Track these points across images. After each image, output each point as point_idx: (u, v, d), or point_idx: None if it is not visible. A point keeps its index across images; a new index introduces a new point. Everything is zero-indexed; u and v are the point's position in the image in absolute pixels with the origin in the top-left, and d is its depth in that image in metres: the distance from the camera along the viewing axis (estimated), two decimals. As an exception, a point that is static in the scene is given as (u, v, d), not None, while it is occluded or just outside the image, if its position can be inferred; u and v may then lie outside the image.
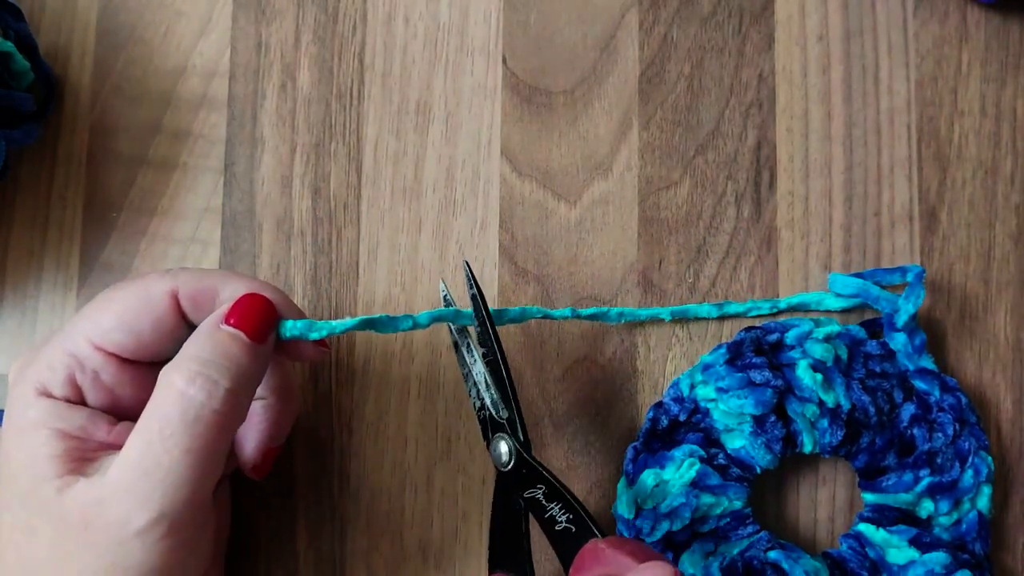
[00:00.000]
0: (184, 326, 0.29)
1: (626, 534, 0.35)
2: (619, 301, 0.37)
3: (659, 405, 0.36)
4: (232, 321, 0.28)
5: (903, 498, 0.34)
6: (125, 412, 0.29)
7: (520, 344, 0.37)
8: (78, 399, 0.29)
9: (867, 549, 0.34)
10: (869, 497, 0.35)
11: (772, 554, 0.34)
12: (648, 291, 0.38)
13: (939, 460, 0.34)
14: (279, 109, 0.39)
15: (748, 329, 0.36)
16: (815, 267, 0.38)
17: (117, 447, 0.28)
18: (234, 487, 0.37)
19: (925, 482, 0.34)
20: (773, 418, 0.34)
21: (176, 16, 0.39)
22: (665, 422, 0.35)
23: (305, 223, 0.38)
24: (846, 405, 0.34)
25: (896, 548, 0.34)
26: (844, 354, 0.35)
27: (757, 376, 0.34)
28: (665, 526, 0.34)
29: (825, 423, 0.34)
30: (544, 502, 0.31)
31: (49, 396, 0.28)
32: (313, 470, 0.37)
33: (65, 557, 0.27)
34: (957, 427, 0.35)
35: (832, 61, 0.39)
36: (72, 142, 0.39)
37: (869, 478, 0.35)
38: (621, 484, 0.35)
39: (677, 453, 0.35)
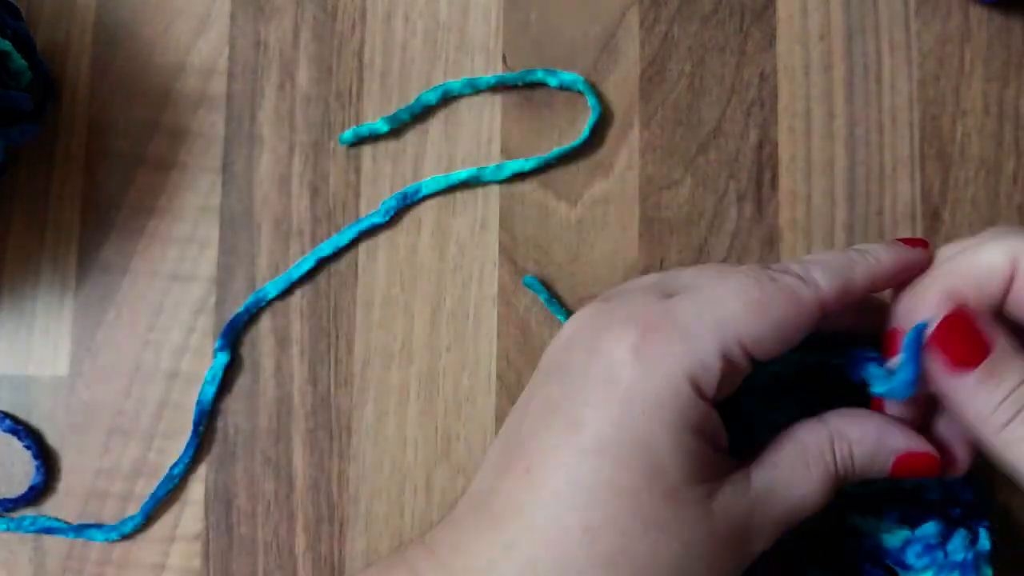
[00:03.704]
0: None
1: None
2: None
3: None
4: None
5: (884, 482, 0.34)
6: None
7: (520, 344, 0.37)
8: (713, 400, 0.27)
9: (864, 540, 0.34)
10: (851, 489, 0.34)
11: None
12: (649, 291, 0.37)
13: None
14: (278, 108, 0.38)
15: None
16: (817, 267, 0.37)
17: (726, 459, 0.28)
18: (233, 487, 0.37)
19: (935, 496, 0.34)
20: None
21: (174, 14, 0.39)
22: None
23: (304, 222, 0.38)
24: None
25: (887, 533, 0.34)
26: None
27: None
28: None
29: None
30: None
31: (702, 397, 0.27)
32: (312, 471, 0.36)
33: (696, 560, 0.26)
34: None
35: (834, 60, 0.38)
36: (70, 141, 0.38)
37: None
38: None
39: None
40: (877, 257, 0.29)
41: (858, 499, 0.34)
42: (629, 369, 0.26)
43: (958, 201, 0.38)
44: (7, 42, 0.35)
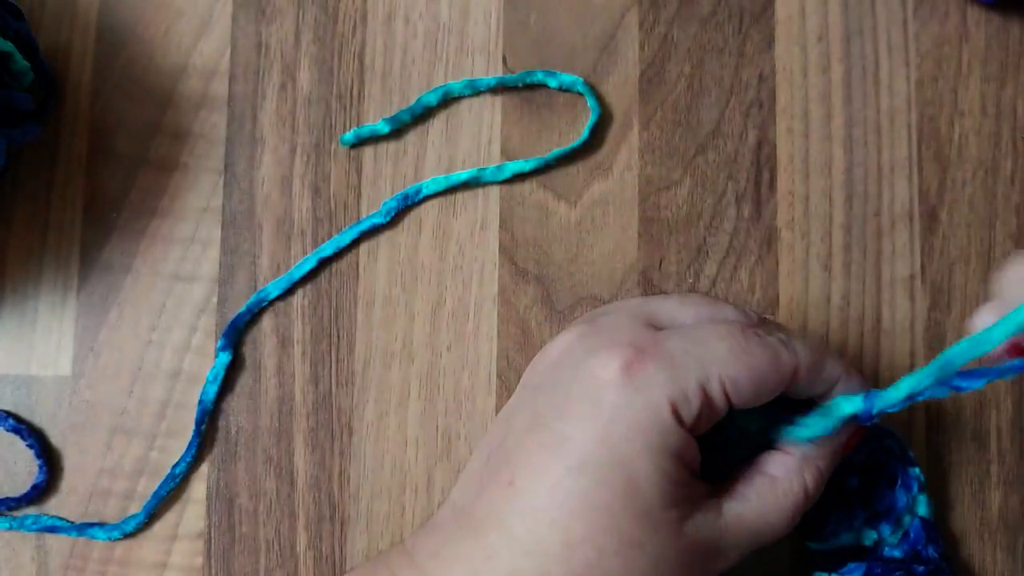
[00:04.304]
0: None
1: None
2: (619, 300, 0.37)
3: None
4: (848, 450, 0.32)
5: (846, 538, 0.34)
6: None
7: (520, 344, 0.37)
8: (690, 430, 0.28)
9: None
10: (814, 546, 0.35)
11: None
12: (648, 291, 0.38)
13: (869, 491, 0.34)
14: (279, 109, 0.39)
15: None
16: (815, 267, 0.38)
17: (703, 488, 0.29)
18: (235, 486, 0.37)
19: (862, 516, 0.34)
20: None
21: (176, 15, 0.39)
22: None
23: (305, 223, 0.38)
24: None
25: None
26: None
27: None
28: None
29: None
30: None
31: (681, 424, 0.28)
32: (313, 470, 0.37)
33: None
34: (881, 457, 0.35)
35: (832, 61, 0.39)
36: (72, 142, 0.39)
37: (809, 529, 0.35)
38: None
39: None
40: (848, 369, 0.31)
41: (823, 556, 0.34)
42: (615, 391, 0.27)
43: (955, 202, 0.38)
44: (9, 43, 0.35)
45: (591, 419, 0.27)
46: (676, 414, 0.27)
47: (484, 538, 0.28)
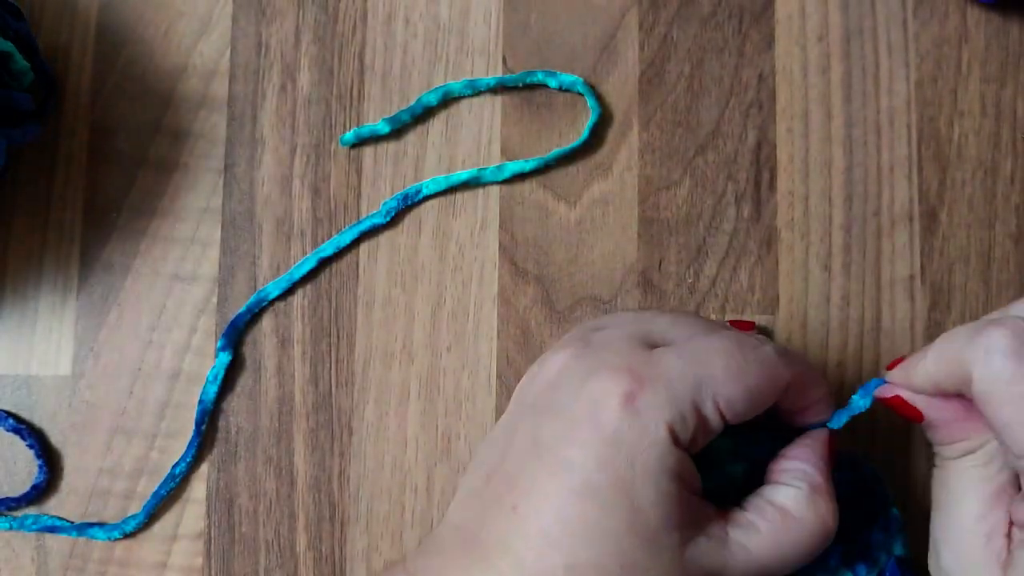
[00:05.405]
0: None
1: None
2: (619, 302, 0.38)
3: None
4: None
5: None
6: None
7: (520, 344, 0.37)
8: (687, 450, 0.29)
9: None
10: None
11: None
12: (648, 291, 0.38)
13: (846, 530, 0.34)
14: (279, 109, 0.39)
15: None
16: (815, 267, 0.38)
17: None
18: (235, 486, 0.37)
19: (837, 554, 0.34)
20: None
21: (176, 16, 0.39)
22: None
23: (305, 223, 0.38)
24: None
25: None
26: None
27: None
28: None
29: None
30: None
31: (678, 445, 0.28)
32: (314, 470, 0.37)
33: None
34: (861, 498, 0.34)
35: (832, 61, 0.39)
36: (72, 142, 0.39)
37: None
38: None
39: None
40: (826, 393, 0.32)
41: None
42: (617, 416, 0.28)
43: (955, 202, 0.38)
44: (9, 43, 0.35)
45: (593, 444, 0.28)
46: (673, 435, 0.28)
47: (491, 563, 0.28)
